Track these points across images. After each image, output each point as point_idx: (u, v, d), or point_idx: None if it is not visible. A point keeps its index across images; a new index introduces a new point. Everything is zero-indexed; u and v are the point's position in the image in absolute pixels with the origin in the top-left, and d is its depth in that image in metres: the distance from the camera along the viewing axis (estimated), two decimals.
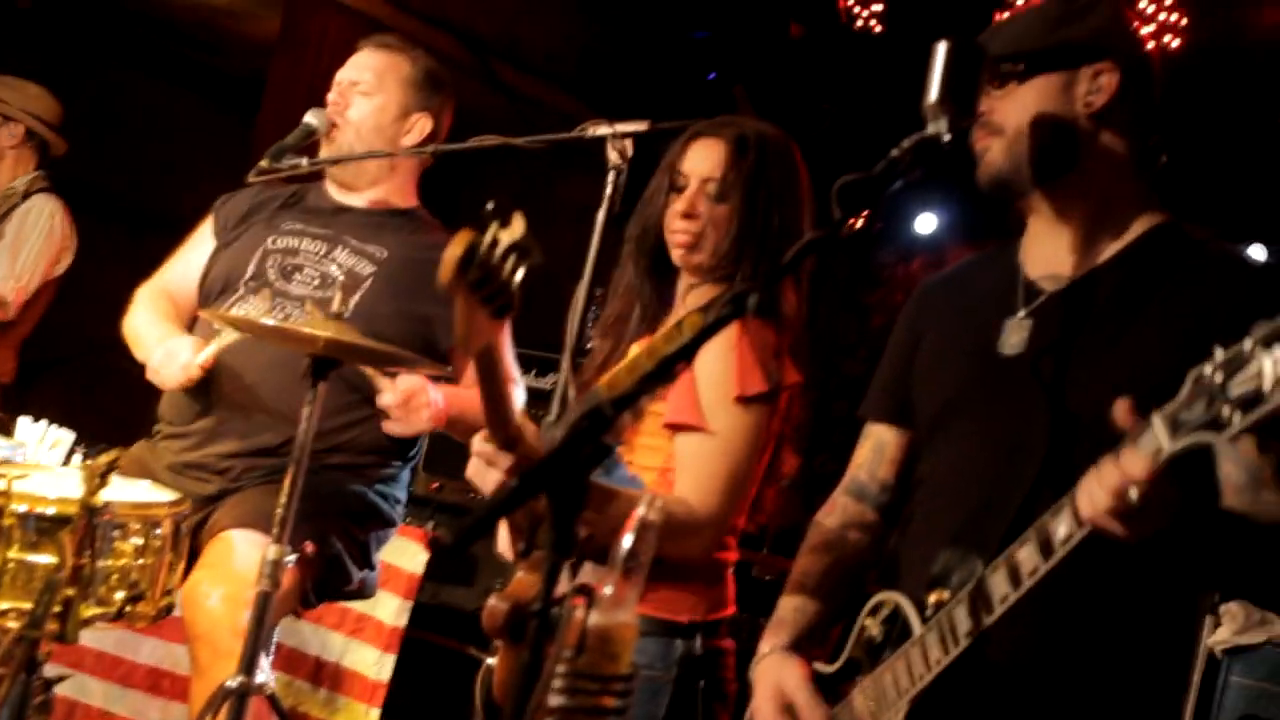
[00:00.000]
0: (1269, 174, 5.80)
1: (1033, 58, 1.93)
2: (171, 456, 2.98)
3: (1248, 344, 1.38)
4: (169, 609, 2.54)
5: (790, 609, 2.09)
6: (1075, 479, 1.60)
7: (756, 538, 5.51)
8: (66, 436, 2.72)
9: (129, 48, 7.35)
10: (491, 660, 2.23)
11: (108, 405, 4.52)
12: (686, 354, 1.46)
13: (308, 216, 3.14)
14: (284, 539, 2.41)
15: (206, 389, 2.96)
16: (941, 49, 1.71)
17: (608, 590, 1.47)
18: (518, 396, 2.80)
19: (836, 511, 2.18)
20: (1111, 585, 1.80)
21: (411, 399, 2.82)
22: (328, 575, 2.90)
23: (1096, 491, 1.55)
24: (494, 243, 1.55)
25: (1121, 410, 1.53)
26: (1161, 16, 5.66)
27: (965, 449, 1.96)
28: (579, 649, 1.45)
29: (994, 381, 1.94)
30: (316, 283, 3.00)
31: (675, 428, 2.27)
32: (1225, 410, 1.39)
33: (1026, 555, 1.66)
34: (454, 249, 1.54)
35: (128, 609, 2.38)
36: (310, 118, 3.07)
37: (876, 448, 2.17)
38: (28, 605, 2.20)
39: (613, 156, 2.56)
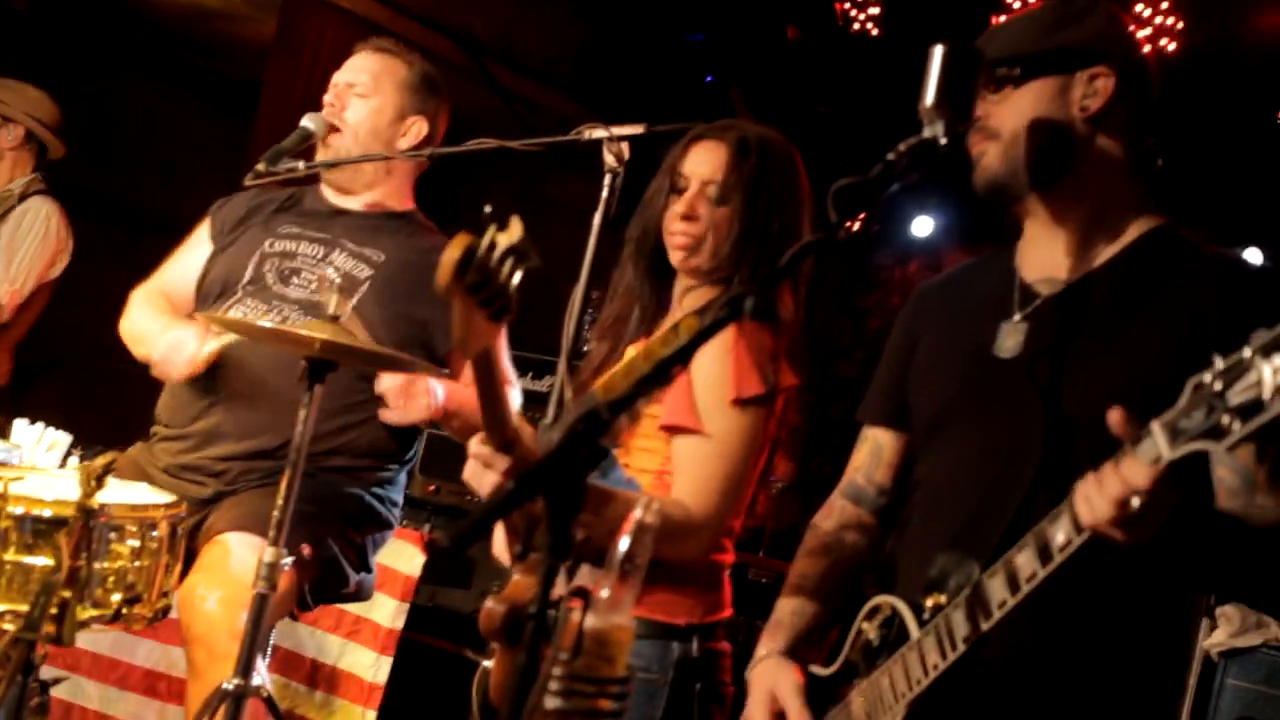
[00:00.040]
0: (1265, 177, 5.81)
1: (1028, 62, 1.93)
2: (168, 458, 2.98)
3: (1247, 352, 1.39)
4: (165, 611, 2.54)
5: (788, 611, 2.09)
6: (1071, 482, 1.60)
7: (753, 540, 5.52)
8: (63, 438, 2.72)
9: (126, 51, 7.36)
10: (488, 663, 2.23)
11: (106, 407, 4.52)
12: (683, 356, 1.46)
13: (304, 220, 3.14)
14: (281, 542, 2.41)
15: (204, 391, 2.96)
16: (938, 52, 1.71)
17: (604, 593, 1.47)
18: (514, 399, 2.80)
19: (834, 514, 2.18)
20: (1106, 587, 1.80)
21: (411, 385, 2.81)
22: (325, 578, 2.89)
23: (1097, 499, 1.55)
24: (492, 245, 1.55)
25: (1116, 418, 1.53)
26: (1158, 20, 5.67)
27: (962, 452, 1.97)
28: (575, 651, 1.45)
29: (990, 385, 1.94)
30: (314, 286, 3.00)
31: (671, 430, 2.27)
32: (1225, 418, 1.40)
33: (1025, 561, 1.66)
34: (452, 252, 1.54)
35: (124, 611, 2.38)
36: (307, 121, 3.08)
37: (874, 451, 2.18)
38: (24, 607, 2.20)
39: (609, 159, 2.56)
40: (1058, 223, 1.96)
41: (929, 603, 1.82)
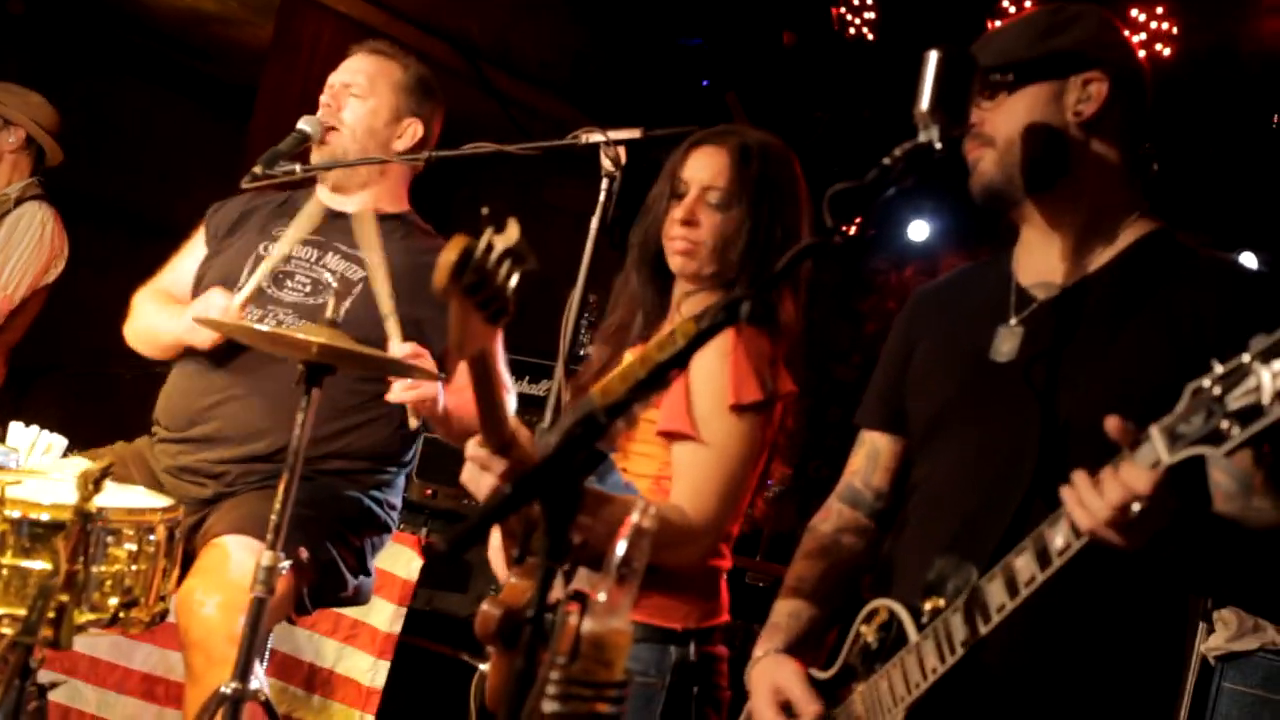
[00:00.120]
0: (1261, 181, 5.82)
1: (1022, 68, 1.94)
2: (168, 460, 2.98)
3: (1246, 357, 1.39)
4: (163, 615, 2.53)
5: (785, 614, 2.09)
6: None
7: (751, 544, 5.52)
8: (59, 442, 2.71)
9: (123, 55, 7.36)
10: (485, 667, 2.23)
11: (104, 411, 4.51)
12: (680, 361, 1.46)
13: None
14: (279, 545, 2.41)
15: (202, 394, 2.96)
16: (933, 57, 1.72)
17: (602, 596, 1.47)
18: (509, 403, 2.79)
19: (831, 517, 2.19)
20: (1103, 591, 1.80)
21: (422, 354, 2.74)
22: (323, 581, 2.89)
23: (1096, 503, 1.55)
24: (489, 247, 1.55)
25: (1114, 424, 1.54)
26: (1153, 25, 5.68)
27: (959, 456, 1.97)
28: (573, 655, 1.45)
29: (986, 389, 1.95)
30: (308, 289, 3.00)
31: (669, 436, 2.28)
32: (1224, 423, 1.40)
33: (1023, 564, 1.66)
34: (449, 254, 1.54)
35: (122, 615, 2.37)
36: (304, 124, 3.08)
37: (871, 455, 2.18)
38: (21, 611, 2.19)
39: (606, 163, 2.56)
40: (1054, 227, 1.96)
41: (927, 606, 1.83)
